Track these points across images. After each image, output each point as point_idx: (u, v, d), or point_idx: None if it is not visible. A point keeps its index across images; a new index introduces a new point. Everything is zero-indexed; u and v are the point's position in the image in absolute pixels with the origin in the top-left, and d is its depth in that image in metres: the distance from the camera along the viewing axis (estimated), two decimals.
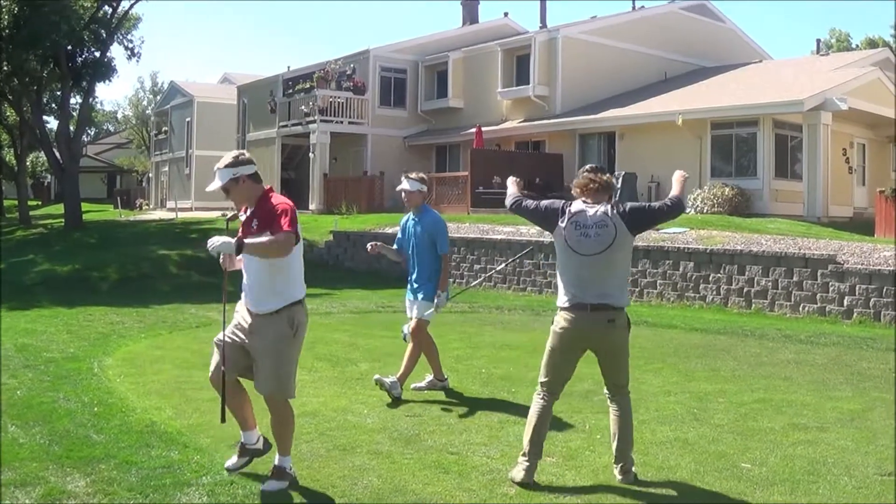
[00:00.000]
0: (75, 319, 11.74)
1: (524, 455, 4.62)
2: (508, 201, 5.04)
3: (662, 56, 26.90)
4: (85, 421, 5.79)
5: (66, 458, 4.91)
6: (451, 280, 11.33)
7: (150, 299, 14.71)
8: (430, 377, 7.08)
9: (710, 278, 13.52)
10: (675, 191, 4.77)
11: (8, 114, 36.24)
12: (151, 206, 42.17)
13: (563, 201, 4.78)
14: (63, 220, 29.44)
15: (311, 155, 27.76)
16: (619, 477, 4.64)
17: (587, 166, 4.84)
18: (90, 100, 34.23)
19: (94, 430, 5.56)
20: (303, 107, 28.11)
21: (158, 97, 51.82)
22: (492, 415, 6.18)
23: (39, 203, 51.84)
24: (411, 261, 6.96)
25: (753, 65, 26.68)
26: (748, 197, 19.56)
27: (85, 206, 32.27)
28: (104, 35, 28.82)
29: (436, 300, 6.82)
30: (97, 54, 29.25)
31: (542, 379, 4.73)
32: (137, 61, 49.07)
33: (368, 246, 6.96)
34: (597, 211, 4.61)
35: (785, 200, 19.74)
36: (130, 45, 30.96)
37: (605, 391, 4.82)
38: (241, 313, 4.62)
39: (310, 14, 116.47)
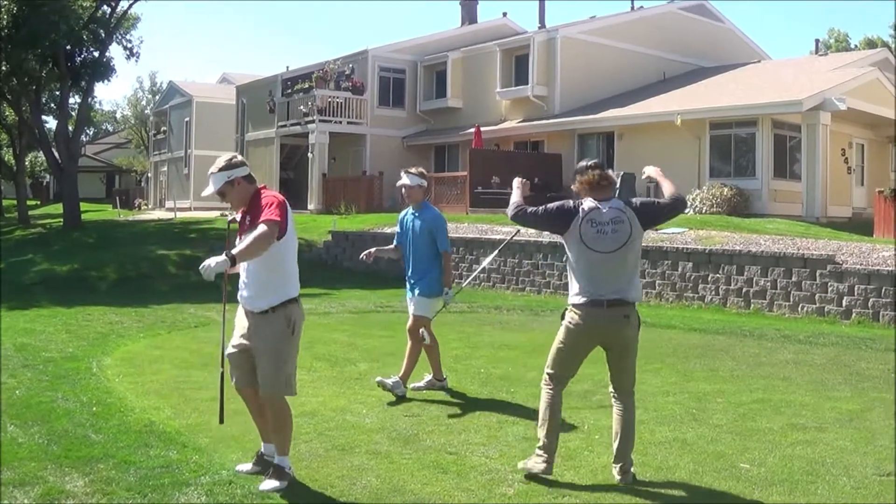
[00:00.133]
0: (74, 319, 11.73)
1: (542, 448, 4.64)
2: (511, 211, 4.80)
3: (661, 56, 26.91)
4: (83, 420, 5.79)
5: (65, 457, 4.91)
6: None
7: (148, 299, 14.70)
8: (429, 377, 7.07)
9: (709, 278, 13.52)
10: (670, 188, 4.81)
11: (7, 113, 36.20)
12: (150, 206, 42.16)
13: (573, 200, 4.72)
14: (62, 219, 29.43)
15: (309, 155, 27.75)
16: (617, 477, 4.63)
17: (590, 162, 4.81)
18: (89, 100, 34.26)
19: (93, 429, 5.56)
20: (301, 107, 28.11)
21: (157, 97, 51.80)
22: (490, 415, 6.17)
23: (38, 203, 51.83)
24: (407, 256, 6.91)
25: (752, 65, 26.69)
26: (747, 197, 19.56)
27: (84, 206, 32.26)
28: (103, 35, 28.81)
29: (443, 297, 6.82)
30: (96, 54, 29.23)
31: (549, 371, 4.75)
32: (136, 61, 49.23)
33: (362, 256, 6.89)
34: (610, 207, 4.62)
35: (784, 201, 19.75)
36: (129, 45, 31.01)
37: (611, 389, 4.82)
38: (240, 320, 4.66)
39: (309, 14, 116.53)
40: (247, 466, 4.76)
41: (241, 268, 4.57)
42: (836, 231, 16.55)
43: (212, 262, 4.16)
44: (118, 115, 70.54)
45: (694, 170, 20.63)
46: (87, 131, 61.18)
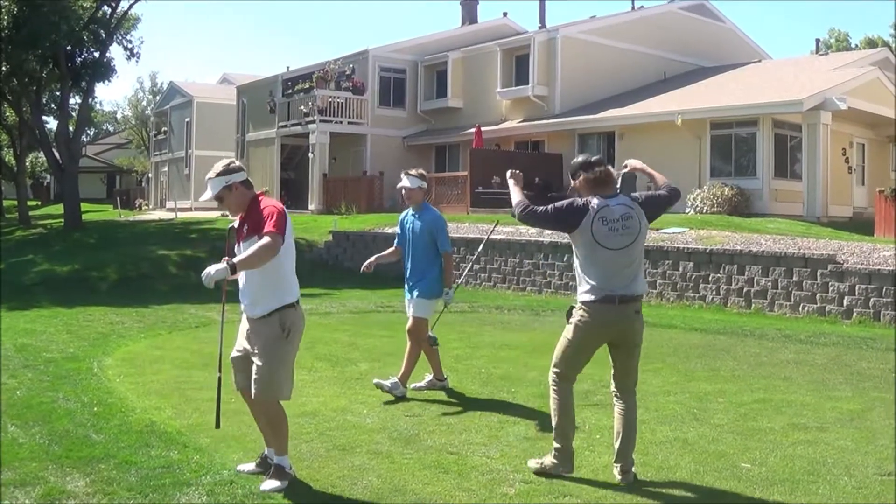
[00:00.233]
0: (75, 319, 11.74)
1: (560, 447, 4.67)
2: (517, 210, 4.71)
3: (662, 56, 26.91)
4: (84, 421, 5.79)
5: (66, 457, 4.91)
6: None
7: (149, 299, 14.71)
8: (429, 377, 7.07)
9: (710, 278, 13.52)
10: (661, 178, 4.90)
11: (7, 114, 36.21)
12: (151, 207, 42.18)
13: (581, 199, 4.70)
14: (62, 220, 29.43)
15: (310, 155, 27.75)
16: (618, 477, 4.63)
17: (593, 158, 4.82)
18: (89, 100, 34.24)
19: (94, 429, 5.56)
20: (302, 107, 28.11)
21: (158, 97, 51.82)
22: (491, 415, 6.17)
23: (39, 203, 51.83)
24: (406, 257, 6.91)
25: (753, 64, 26.69)
26: (748, 197, 19.56)
27: (84, 207, 32.26)
28: (103, 35, 28.82)
29: (444, 297, 6.82)
30: (96, 54, 29.25)
31: (556, 369, 4.75)
32: (137, 61, 49.24)
33: (363, 268, 6.86)
34: (619, 204, 4.63)
35: (784, 200, 19.74)
36: (130, 46, 30.98)
37: (613, 388, 4.81)
38: (243, 324, 4.69)
39: (309, 14, 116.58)
40: (248, 466, 4.76)
41: (240, 274, 4.61)
42: (836, 231, 16.55)
43: (212, 269, 4.20)
44: (119, 116, 70.63)
45: (695, 169, 20.63)
46: (88, 132, 61.18)
